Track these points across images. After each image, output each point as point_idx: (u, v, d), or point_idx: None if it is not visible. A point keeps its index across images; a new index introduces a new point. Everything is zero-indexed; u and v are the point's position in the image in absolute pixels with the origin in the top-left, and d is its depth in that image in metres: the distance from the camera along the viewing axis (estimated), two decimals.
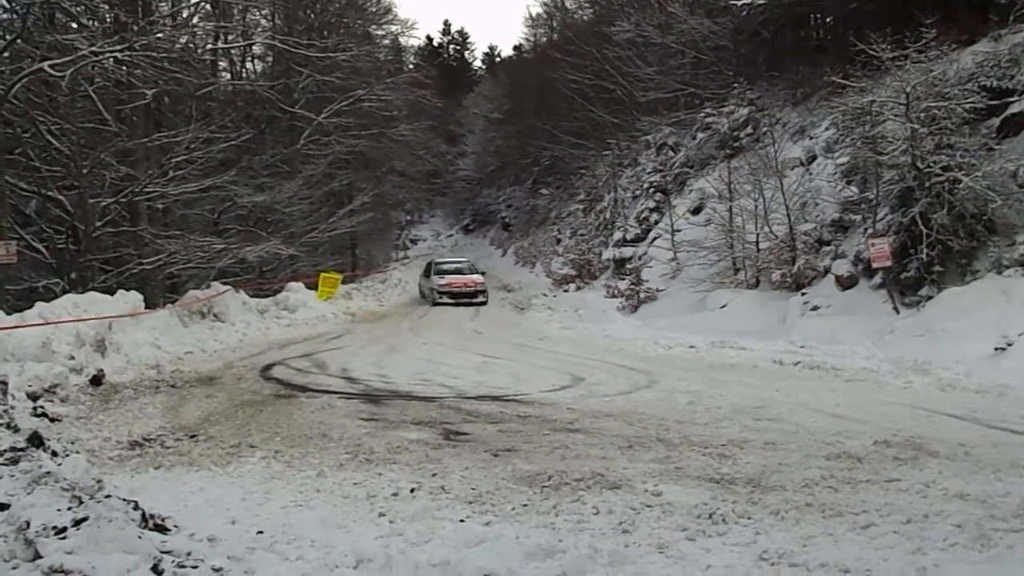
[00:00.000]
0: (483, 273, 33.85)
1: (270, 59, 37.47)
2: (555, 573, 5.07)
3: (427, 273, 34.01)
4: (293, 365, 16.08)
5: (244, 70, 37.37)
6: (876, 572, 5.07)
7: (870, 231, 20.18)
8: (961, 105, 19.27)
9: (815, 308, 20.24)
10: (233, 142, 26.64)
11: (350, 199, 38.52)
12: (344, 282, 32.31)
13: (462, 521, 6.13)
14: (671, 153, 36.17)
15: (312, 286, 28.80)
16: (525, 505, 6.54)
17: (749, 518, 6.16)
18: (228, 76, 35.14)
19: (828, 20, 36.10)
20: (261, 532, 5.86)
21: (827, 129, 26.38)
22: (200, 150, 23.90)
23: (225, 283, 24.06)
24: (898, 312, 18.12)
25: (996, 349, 14.59)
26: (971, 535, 5.65)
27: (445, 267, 33.96)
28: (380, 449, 8.49)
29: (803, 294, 21.30)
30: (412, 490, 6.95)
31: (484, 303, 31.02)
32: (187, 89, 26.58)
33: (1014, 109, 20.43)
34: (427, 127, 50.99)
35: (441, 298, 31.07)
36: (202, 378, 14.47)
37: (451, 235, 71.17)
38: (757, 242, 24.07)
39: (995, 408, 11.16)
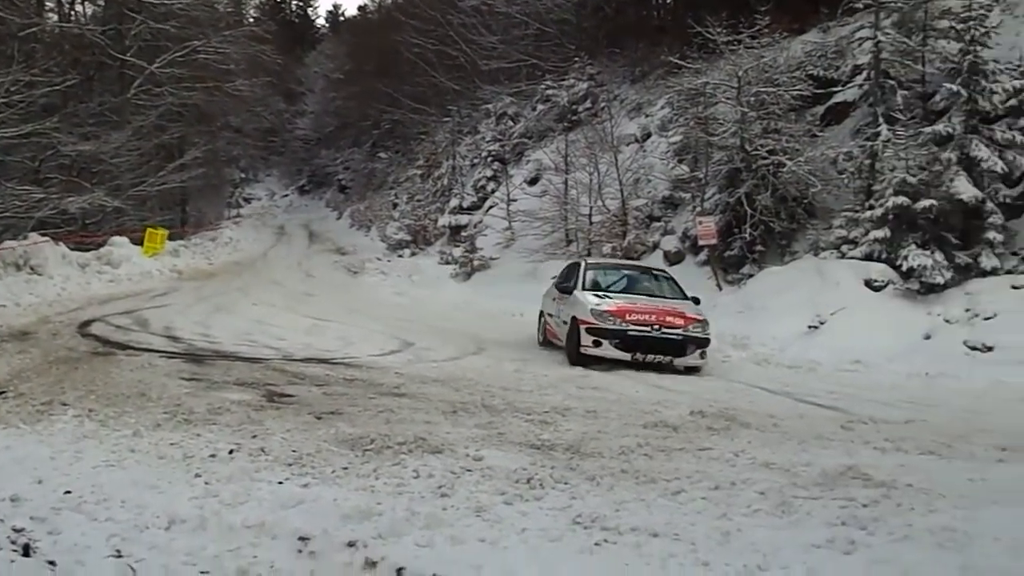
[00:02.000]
0: (697, 301, 14.42)
1: (101, 2, 35.78)
2: (371, 535, 5.03)
3: (566, 283, 15.19)
4: (113, 322, 15.47)
5: (73, 12, 35.58)
6: (683, 535, 5.21)
7: (698, 209, 20.78)
8: (789, 92, 20.01)
9: None
10: (58, 87, 25.33)
11: (182, 153, 37.21)
12: (172, 239, 31.29)
13: (280, 483, 6.01)
14: (511, 123, 36.33)
15: (138, 241, 27.76)
16: (345, 468, 6.46)
17: (566, 483, 6.24)
18: (55, 18, 33.39)
19: (668, 1, 36.85)
20: (69, 492, 5.62)
21: (662, 108, 26.95)
22: (21, 94, 22.66)
23: (44, 235, 22.94)
24: (720, 289, 18.74)
25: (809, 327, 15.30)
26: (774, 502, 5.88)
27: (612, 278, 15.21)
28: (200, 409, 8.23)
29: None
30: (231, 451, 6.78)
31: (697, 367, 13.18)
32: (9, 28, 25.15)
33: (838, 99, 21.33)
34: (265, 83, 49.69)
35: (597, 347, 13.04)
36: (14, 333, 13.73)
37: (287, 195, 69.77)
38: (590, 215, 24.44)
39: (805, 383, 11.72)
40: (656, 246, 22.05)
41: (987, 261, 16.39)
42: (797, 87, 20.21)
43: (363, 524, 5.20)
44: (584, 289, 14.20)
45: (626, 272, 15.64)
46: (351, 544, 4.87)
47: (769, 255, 19.18)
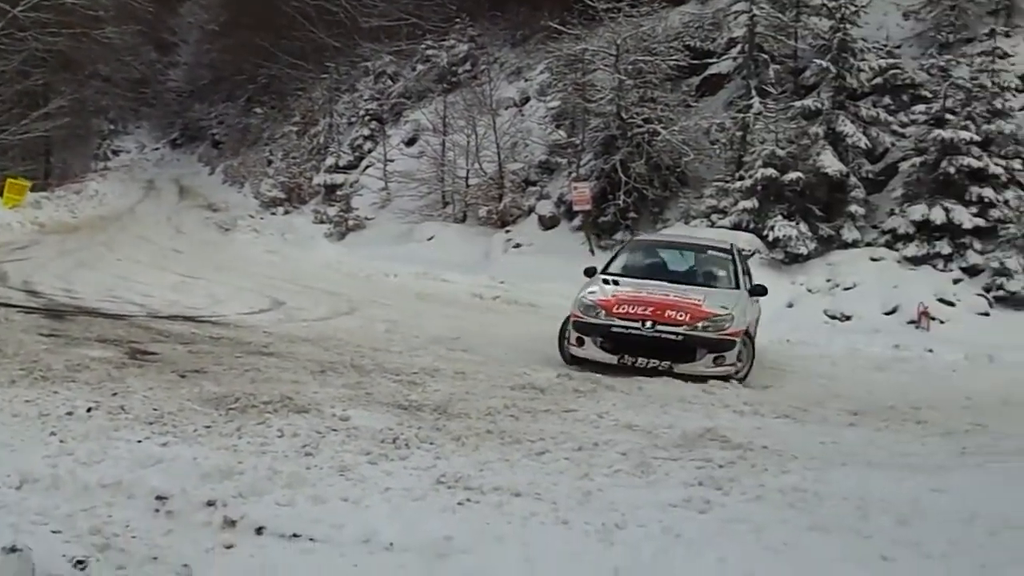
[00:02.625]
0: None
1: None
2: (231, 494, 4.96)
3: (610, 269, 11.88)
4: None
5: None
6: (545, 495, 5.27)
7: (574, 175, 20.93)
8: (666, 61, 20.29)
9: (517, 246, 20.85)
10: None
11: (46, 101, 35.72)
12: (35, 190, 30.05)
13: (139, 442, 5.85)
14: (390, 82, 35.90)
15: None
16: (208, 427, 6.34)
17: (432, 443, 6.25)
18: None
19: None
20: None
21: (542, 73, 26.95)
22: None
23: None
24: (593, 254, 18.93)
25: None
26: (634, 462, 6.00)
27: (654, 259, 12.54)
28: (59, 366, 7.94)
29: (507, 231, 21.86)
30: (88, 410, 6.57)
31: (740, 374, 10.37)
32: None
33: (713, 70, 21.70)
34: (136, 32, 47.85)
35: (580, 346, 10.43)
36: None
37: (157, 148, 67.63)
38: (467, 178, 24.38)
39: None
40: (532, 210, 22.16)
41: (848, 233, 16.97)
42: (674, 57, 20.51)
43: (223, 483, 5.11)
44: (608, 272, 11.57)
45: (677, 250, 12.67)
46: (210, 503, 4.79)
47: (642, 222, 19.48)
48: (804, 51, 19.96)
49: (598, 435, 6.78)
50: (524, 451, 6.22)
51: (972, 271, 15.92)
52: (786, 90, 19.44)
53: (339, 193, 29.62)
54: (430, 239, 22.96)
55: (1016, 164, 16.80)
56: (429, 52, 33.45)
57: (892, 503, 5.39)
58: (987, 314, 15.16)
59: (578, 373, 9.20)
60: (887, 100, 18.57)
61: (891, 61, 18.81)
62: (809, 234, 16.88)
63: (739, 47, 20.03)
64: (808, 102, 18.23)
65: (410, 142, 29.34)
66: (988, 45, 18.56)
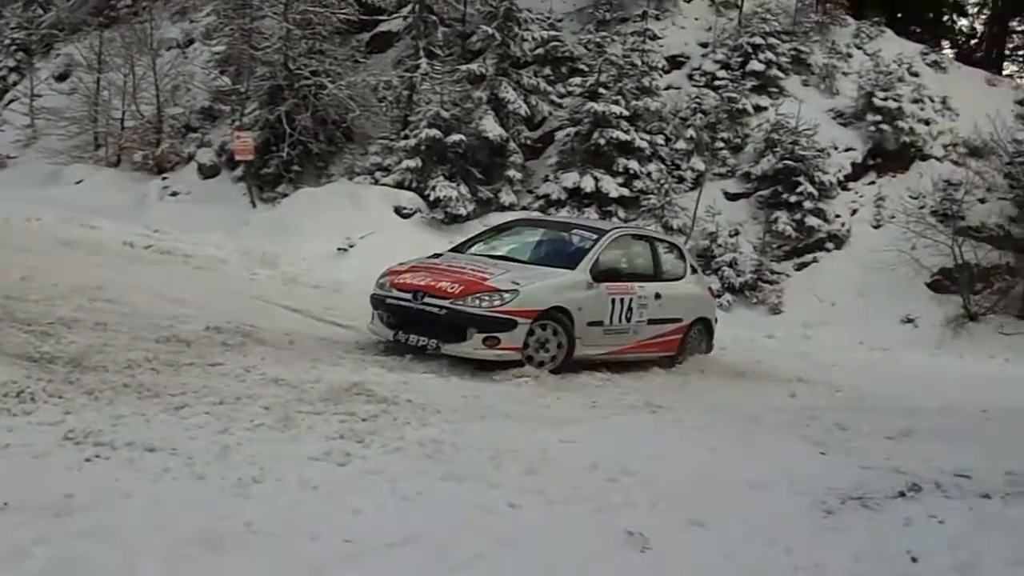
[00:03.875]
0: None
1: None
2: None
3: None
4: None
5: None
6: (181, 450, 5.12)
7: (237, 124, 20.34)
8: (336, 14, 20.08)
9: (175, 194, 20.08)
10: None
11: None
12: None
13: None
14: (40, 11, 33.28)
15: None
16: None
17: (61, 397, 5.89)
18: None
19: None
20: None
21: (208, 15, 25.86)
22: None
23: None
24: (255, 206, 18.57)
25: (339, 249, 15.66)
26: (277, 416, 5.95)
27: (517, 238, 11.16)
28: None
29: (164, 179, 20.95)
30: None
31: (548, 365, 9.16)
32: None
33: (383, 28, 21.75)
34: None
35: (372, 321, 9.72)
36: None
37: None
38: (123, 120, 23.07)
39: (327, 302, 11.91)
40: (191, 158, 21.34)
41: (506, 197, 17.64)
42: (344, 11, 20.31)
43: None
44: (458, 247, 10.82)
45: (542, 229, 11.37)
46: None
47: (306, 176, 19.25)
48: (472, 16, 20.42)
49: (243, 389, 6.66)
50: (163, 405, 5.99)
51: None
52: (453, 53, 19.82)
53: None
54: (79, 182, 21.55)
55: (659, 139, 18.04)
56: None
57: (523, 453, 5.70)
58: None
59: (228, 326, 8.95)
60: (547, 71, 19.39)
61: (552, 33, 19.64)
62: (469, 196, 17.37)
63: (410, 7, 20.21)
64: (474, 67, 18.70)
65: (61, 77, 27.39)
66: (640, 26, 19.79)
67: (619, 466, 5.67)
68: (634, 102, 18.06)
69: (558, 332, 9.14)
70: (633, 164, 17.49)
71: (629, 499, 5.22)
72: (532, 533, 4.61)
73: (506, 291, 8.90)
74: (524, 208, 17.56)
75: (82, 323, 8.53)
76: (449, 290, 8.97)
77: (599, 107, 17.48)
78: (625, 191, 17.31)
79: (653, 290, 10.31)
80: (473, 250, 10.47)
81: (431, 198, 17.14)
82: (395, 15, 20.94)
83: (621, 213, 17.17)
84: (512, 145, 18.05)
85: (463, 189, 17.30)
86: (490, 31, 18.83)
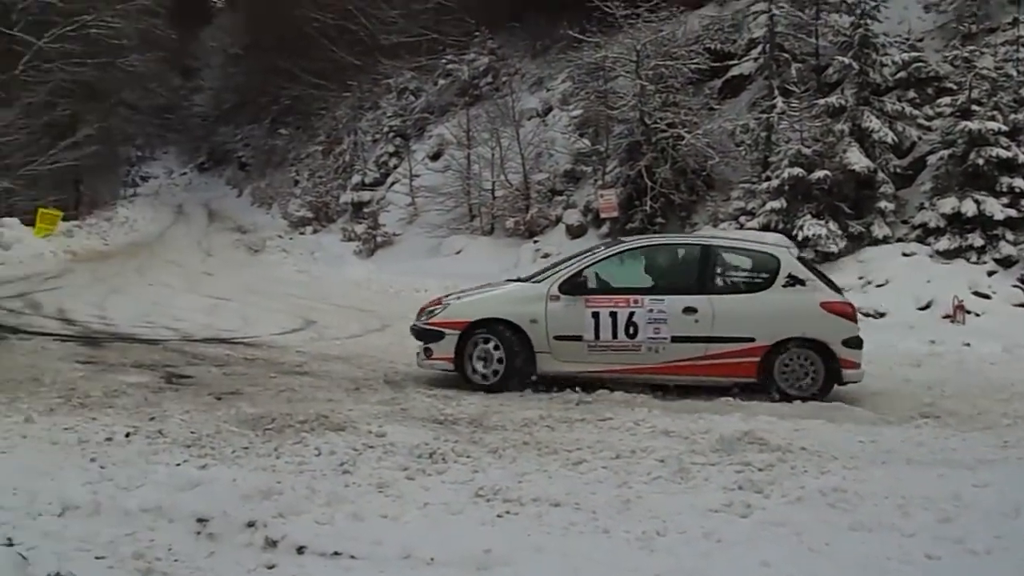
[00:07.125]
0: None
1: None
2: (271, 514, 4.97)
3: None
4: (4, 305, 15.01)
5: None
6: (584, 504, 5.25)
7: (599, 182, 20.93)
8: (687, 65, 20.27)
9: (546, 255, 20.80)
10: None
11: (74, 131, 36.10)
12: (66, 219, 30.38)
13: (178, 465, 5.87)
14: (412, 98, 36.03)
15: (30, 223, 26.91)
16: (246, 448, 6.35)
17: (468, 456, 6.25)
18: None
19: None
20: None
21: (563, 82, 26.98)
22: None
23: None
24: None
25: None
26: (672, 468, 5.95)
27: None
28: (96, 393, 8.00)
29: (535, 241, 21.89)
30: (127, 435, 6.61)
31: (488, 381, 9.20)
32: None
33: (734, 72, 21.64)
34: (160, 59, 48.42)
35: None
36: None
37: (185, 173, 68.13)
38: (493, 190, 24.44)
39: None
40: (559, 219, 22.18)
41: (879, 230, 16.85)
42: (695, 61, 20.47)
43: (263, 503, 5.12)
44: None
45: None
46: (251, 524, 4.78)
47: (669, 226, 19.41)
48: (826, 48, 19.86)
49: (635, 442, 6.75)
50: (562, 461, 6.21)
51: (1006, 262, 15.75)
52: (809, 88, 19.33)
53: (366, 210, 29.72)
54: (458, 252, 23.02)
55: None
56: (450, 66, 33.53)
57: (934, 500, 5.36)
58: (1023, 305, 15.00)
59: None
60: (912, 94, 18.44)
61: (914, 55, 18.70)
62: (839, 232, 16.78)
63: (760, 47, 19.98)
64: (832, 99, 18.14)
65: (435, 157, 29.43)
66: (1012, 34, 18.43)
67: None
68: (1012, 116, 16.78)
69: (499, 347, 9.04)
70: (1019, 182, 16.21)
71: None
72: None
73: (440, 304, 9.55)
74: (900, 240, 16.72)
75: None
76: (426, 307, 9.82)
77: (973, 125, 16.37)
78: (1012, 212, 16.05)
79: (680, 304, 9.13)
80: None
81: (799, 237, 16.69)
82: (745, 58, 20.80)
83: (1009, 236, 15.93)
84: (880, 175, 17.28)
85: (832, 226, 16.75)
86: (846, 61, 18.22)
